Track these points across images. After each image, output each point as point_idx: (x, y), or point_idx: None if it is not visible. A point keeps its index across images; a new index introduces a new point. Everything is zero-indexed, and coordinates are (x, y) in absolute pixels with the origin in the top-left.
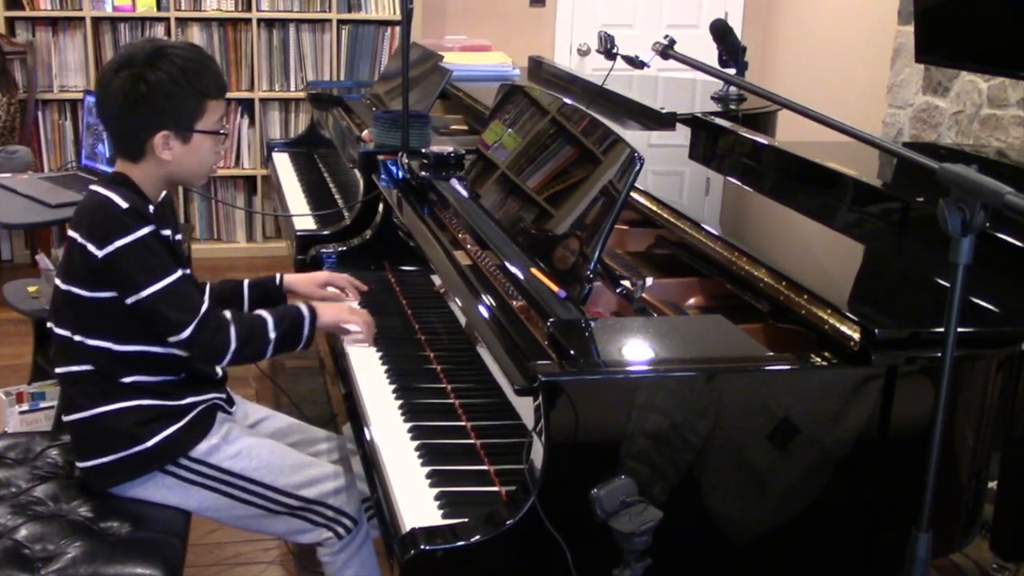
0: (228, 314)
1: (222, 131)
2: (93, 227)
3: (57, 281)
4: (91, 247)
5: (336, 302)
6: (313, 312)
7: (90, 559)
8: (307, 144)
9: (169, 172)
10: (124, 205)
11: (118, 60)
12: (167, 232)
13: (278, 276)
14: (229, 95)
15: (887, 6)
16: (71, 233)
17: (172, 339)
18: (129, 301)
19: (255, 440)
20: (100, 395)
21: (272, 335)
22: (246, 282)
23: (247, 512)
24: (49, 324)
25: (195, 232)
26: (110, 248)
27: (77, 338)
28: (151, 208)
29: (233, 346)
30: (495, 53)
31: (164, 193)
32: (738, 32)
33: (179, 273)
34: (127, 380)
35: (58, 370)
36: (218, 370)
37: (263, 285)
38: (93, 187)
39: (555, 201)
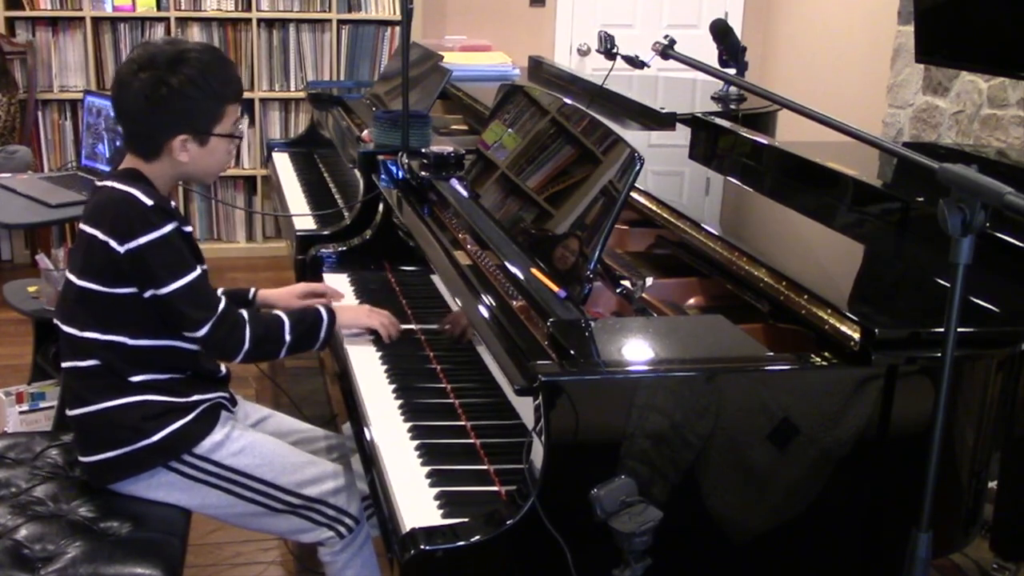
0: (245, 314)
1: (237, 134)
2: (116, 222)
3: (71, 277)
4: (113, 243)
5: (358, 305)
6: (332, 315)
7: (90, 559)
8: (307, 144)
9: (184, 172)
10: (149, 202)
11: (139, 60)
12: (188, 228)
13: (252, 291)
14: None
15: (887, 6)
16: (88, 229)
17: (188, 335)
18: (148, 295)
19: (258, 438)
20: (106, 390)
21: (288, 337)
22: (219, 292)
23: (249, 510)
24: (55, 320)
25: (195, 232)
26: (133, 244)
27: (88, 334)
28: (172, 203)
29: (246, 346)
30: (495, 53)
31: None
32: (738, 32)
33: (199, 270)
34: (135, 379)
35: (64, 364)
36: (222, 368)
37: (236, 297)
38: (109, 183)
39: (555, 201)
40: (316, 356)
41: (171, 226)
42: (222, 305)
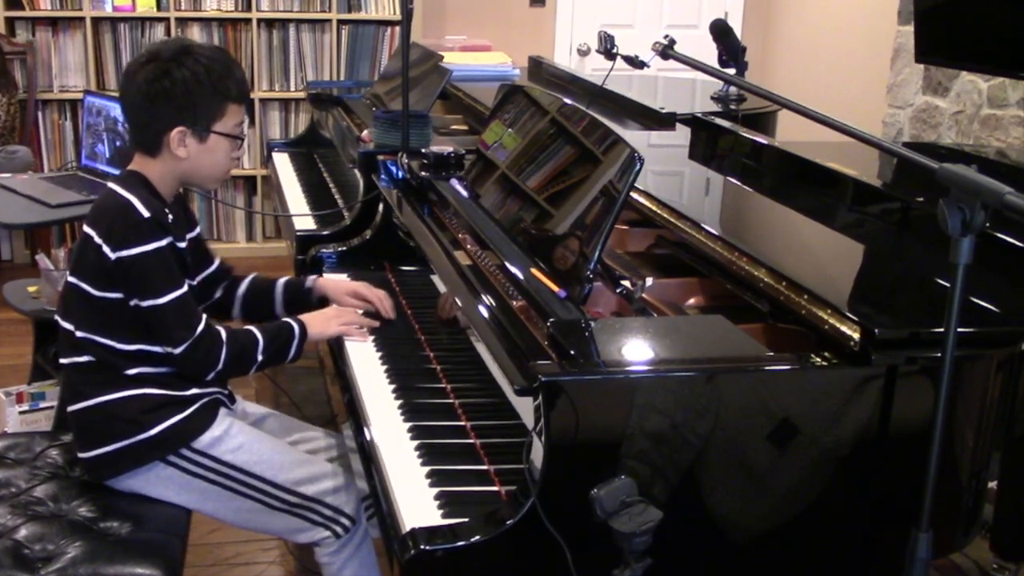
0: (224, 334)
1: (239, 136)
2: (111, 229)
3: (67, 273)
4: (106, 248)
5: (325, 311)
6: (303, 330)
7: (90, 559)
8: (307, 144)
9: (184, 171)
10: (146, 214)
11: (146, 54)
12: (182, 244)
13: (310, 280)
14: None
15: (887, 6)
16: (87, 229)
17: (166, 349)
18: (132, 304)
19: (256, 435)
20: (104, 384)
21: (260, 356)
22: (280, 283)
23: (246, 507)
24: (56, 316)
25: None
26: (125, 253)
27: (81, 333)
28: (169, 216)
29: (219, 366)
30: (495, 53)
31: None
32: (738, 32)
33: (185, 287)
34: (131, 372)
35: (63, 360)
36: None
37: (296, 289)
38: (112, 185)
39: (555, 201)
40: (316, 356)
41: (164, 241)
42: (202, 326)
